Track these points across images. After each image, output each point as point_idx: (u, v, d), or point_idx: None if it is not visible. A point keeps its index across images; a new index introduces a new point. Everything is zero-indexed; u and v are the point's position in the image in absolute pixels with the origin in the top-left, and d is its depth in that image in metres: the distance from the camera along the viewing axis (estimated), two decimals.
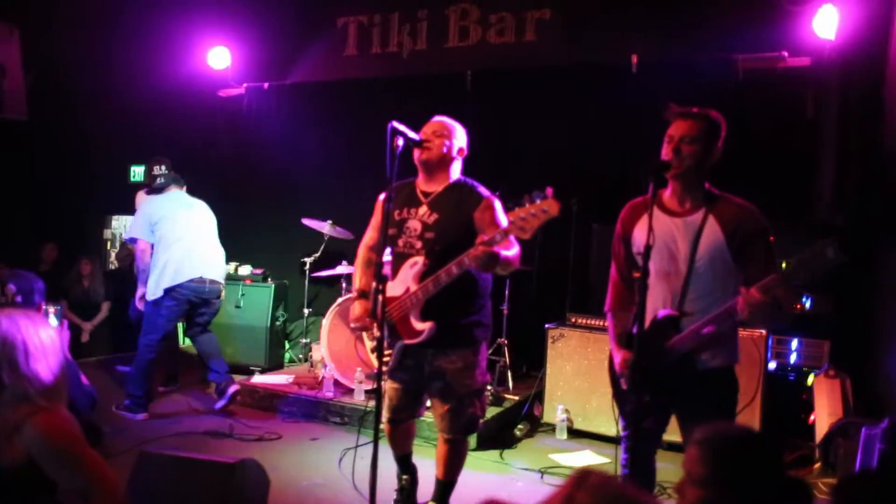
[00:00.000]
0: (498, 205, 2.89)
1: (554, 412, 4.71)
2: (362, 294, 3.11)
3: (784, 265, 2.23)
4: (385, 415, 3.08)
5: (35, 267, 6.73)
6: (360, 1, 6.36)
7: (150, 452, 3.17)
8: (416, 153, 2.96)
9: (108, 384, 5.70)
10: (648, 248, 2.27)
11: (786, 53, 4.94)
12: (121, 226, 7.66)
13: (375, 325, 2.95)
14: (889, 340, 4.03)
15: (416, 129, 3.00)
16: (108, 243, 7.78)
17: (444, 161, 3.00)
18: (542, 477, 3.99)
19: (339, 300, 5.16)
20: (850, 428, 3.55)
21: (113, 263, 7.50)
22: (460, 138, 3.06)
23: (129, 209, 6.04)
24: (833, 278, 4.25)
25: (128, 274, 5.95)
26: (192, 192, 5.17)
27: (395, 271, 2.97)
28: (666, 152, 2.50)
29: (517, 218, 2.46)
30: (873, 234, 4.33)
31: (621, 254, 2.71)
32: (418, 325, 2.86)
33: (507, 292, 5.20)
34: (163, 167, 5.74)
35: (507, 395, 4.98)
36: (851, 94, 4.56)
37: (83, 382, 3.74)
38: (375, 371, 2.63)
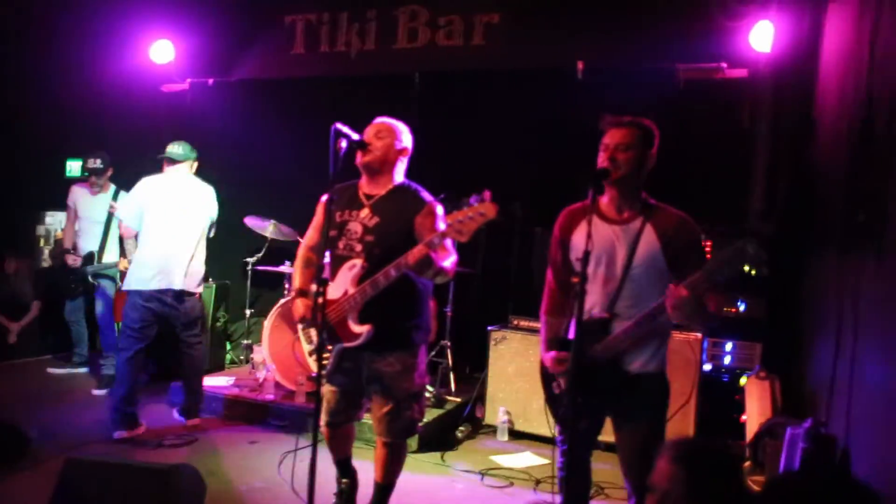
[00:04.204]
0: (440, 211, 2.90)
1: (495, 414, 4.75)
2: (301, 293, 3.10)
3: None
4: (323, 418, 3.05)
5: None
6: None
7: (79, 458, 3.06)
8: (358, 157, 2.95)
9: (38, 387, 5.51)
10: (587, 253, 2.30)
11: (725, 65, 5.09)
12: (56, 222, 7.38)
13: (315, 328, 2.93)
14: (812, 343, 4.19)
15: (364, 131, 2.99)
16: (42, 240, 7.48)
17: (387, 163, 2.99)
18: (482, 479, 4.01)
19: (282, 301, 5.10)
20: (777, 427, 3.66)
21: (46, 261, 7.23)
22: (404, 139, 3.06)
23: (64, 204, 5.85)
24: (763, 286, 4.47)
25: (59, 272, 5.74)
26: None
27: (333, 273, 2.94)
28: (602, 160, 2.55)
29: (455, 221, 2.47)
30: (802, 243, 4.50)
31: (559, 259, 2.74)
32: (356, 328, 2.84)
33: (450, 295, 5.22)
34: (98, 161, 5.58)
35: (450, 397, 4.99)
36: (783, 107, 4.73)
37: None
38: (313, 374, 2.60)
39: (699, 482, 1.65)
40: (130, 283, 4.39)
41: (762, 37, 4.74)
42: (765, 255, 2.17)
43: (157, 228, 4.39)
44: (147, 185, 4.48)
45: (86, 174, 5.71)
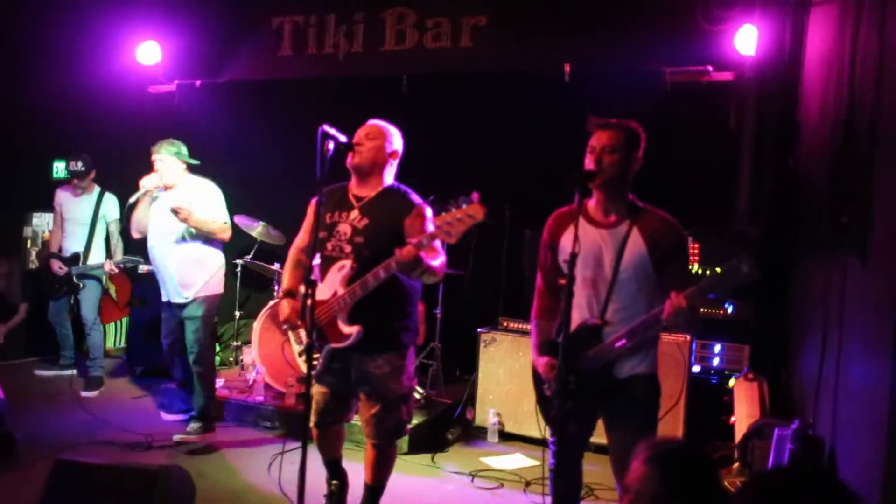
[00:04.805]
0: (429, 213, 2.91)
1: (486, 415, 4.75)
2: (289, 293, 3.10)
3: (702, 276, 2.34)
4: (312, 419, 3.04)
5: None
6: (296, 1, 6.28)
7: (67, 460, 3.05)
8: (348, 158, 2.96)
9: (24, 389, 5.47)
10: (574, 256, 2.31)
11: (711, 68, 5.12)
12: (43, 223, 7.33)
13: (303, 328, 2.93)
14: (798, 345, 4.23)
15: (352, 132, 2.99)
16: (29, 241, 7.43)
17: (377, 165, 3.00)
18: (472, 480, 4.02)
19: (271, 303, 5.09)
20: (765, 429, 3.69)
21: (33, 263, 7.17)
22: (394, 142, 3.07)
23: (51, 206, 5.82)
24: (751, 288, 4.50)
25: (46, 274, 5.70)
26: (123, 190, 4.95)
27: (322, 274, 2.95)
28: (589, 162, 2.56)
29: (443, 223, 2.49)
30: (789, 245, 4.54)
31: (548, 262, 2.75)
32: (346, 329, 2.85)
33: (440, 296, 5.22)
34: (79, 163, 5.56)
35: (440, 399, 5.00)
36: (767, 110, 4.77)
37: None
38: (303, 375, 2.61)
39: (672, 482, 1.64)
40: (221, 285, 4.63)
41: (747, 40, 4.79)
42: (758, 272, 2.20)
43: None
44: None
45: (69, 176, 5.69)
